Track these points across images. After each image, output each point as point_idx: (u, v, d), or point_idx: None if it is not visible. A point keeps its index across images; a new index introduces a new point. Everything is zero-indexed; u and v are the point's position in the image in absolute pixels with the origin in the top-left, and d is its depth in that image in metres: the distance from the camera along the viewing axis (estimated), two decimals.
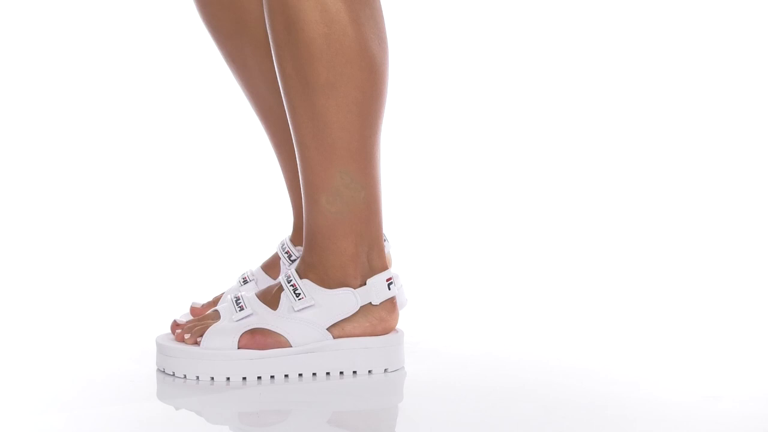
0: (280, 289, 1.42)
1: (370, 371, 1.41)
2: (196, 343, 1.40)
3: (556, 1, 2.78)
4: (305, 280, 1.41)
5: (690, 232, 2.40)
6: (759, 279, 2.05)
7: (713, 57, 2.75)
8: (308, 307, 1.40)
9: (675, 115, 2.74)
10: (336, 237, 1.40)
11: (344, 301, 1.41)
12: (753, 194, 2.55)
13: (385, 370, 1.42)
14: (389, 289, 1.42)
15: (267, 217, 2.35)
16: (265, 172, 2.01)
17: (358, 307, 1.41)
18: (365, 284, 1.41)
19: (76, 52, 2.75)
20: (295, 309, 1.40)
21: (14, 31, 2.72)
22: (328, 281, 1.41)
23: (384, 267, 1.43)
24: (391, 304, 1.43)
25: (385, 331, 1.43)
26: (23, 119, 2.72)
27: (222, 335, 1.39)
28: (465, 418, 1.28)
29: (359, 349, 1.41)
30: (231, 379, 1.38)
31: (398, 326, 1.46)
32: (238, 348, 1.39)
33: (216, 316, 1.43)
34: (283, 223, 1.66)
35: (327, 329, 1.40)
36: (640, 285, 2.01)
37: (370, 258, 1.42)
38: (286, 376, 1.39)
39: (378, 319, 1.42)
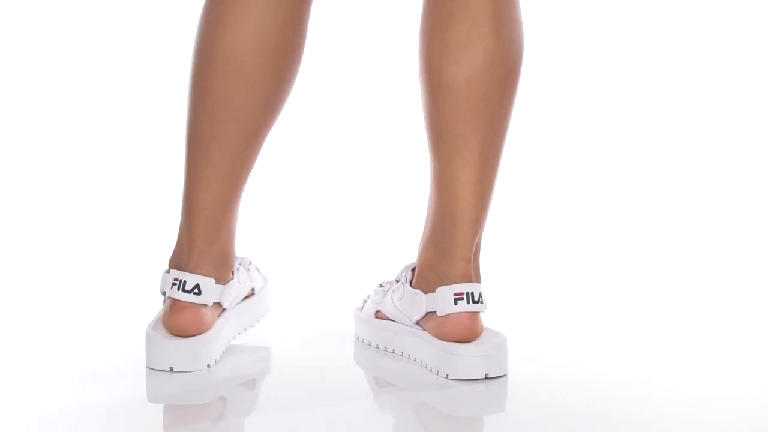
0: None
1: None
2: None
3: (555, 2, 2.78)
4: (410, 272, 1.50)
5: (690, 232, 2.40)
6: (759, 279, 2.05)
7: (713, 57, 2.75)
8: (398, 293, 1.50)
9: (675, 116, 2.74)
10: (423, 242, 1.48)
11: (416, 301, 1.45)
12: (753, 194, 2.55)
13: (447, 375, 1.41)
14: (455, 304, 1.42)
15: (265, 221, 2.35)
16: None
17: (424, 313, 1.44)
18: (434, 292, 1.43)
19: (77, 52, 2.75)
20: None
21: (14, 31, 2.72)
22: (415, 280, 1.48)
23: (455, 280, 1.43)
24: (452, 322, 1.42)
25: None
26: (24, 120, 2.71)
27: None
28: (467, 416, 1.28)
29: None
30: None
31: None
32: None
33: None
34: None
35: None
36: (640, 285, 2.01)
37: (443, 267, 1.45)
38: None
39: (437, 331, 1.43)
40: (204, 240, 1.44)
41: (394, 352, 1.50)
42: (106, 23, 2.74)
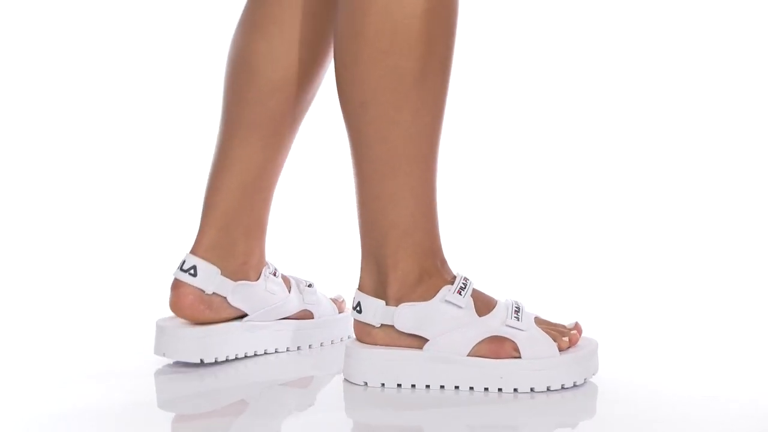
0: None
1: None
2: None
3: (555, 1, 2.78)
4: None
5: (690, 232, 2.40)
6: (759, 279, 2.05)
7: (713, 57, 2.76)
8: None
9: (675, 116, 2.74)
10: None
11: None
12: (753, 194, 2.55)
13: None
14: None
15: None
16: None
17: None
18: None
19: (76, 52, 2.75)
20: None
21: (14, 31, 2.73)
22: None
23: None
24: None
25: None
26: (23, 119, 2.72)
27: None
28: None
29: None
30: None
31: None
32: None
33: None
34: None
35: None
36: (640, 285, 2.01)
37: None
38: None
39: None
40: (210, 225, 1.45)
41: None
42: (123, 27, 2.75)
